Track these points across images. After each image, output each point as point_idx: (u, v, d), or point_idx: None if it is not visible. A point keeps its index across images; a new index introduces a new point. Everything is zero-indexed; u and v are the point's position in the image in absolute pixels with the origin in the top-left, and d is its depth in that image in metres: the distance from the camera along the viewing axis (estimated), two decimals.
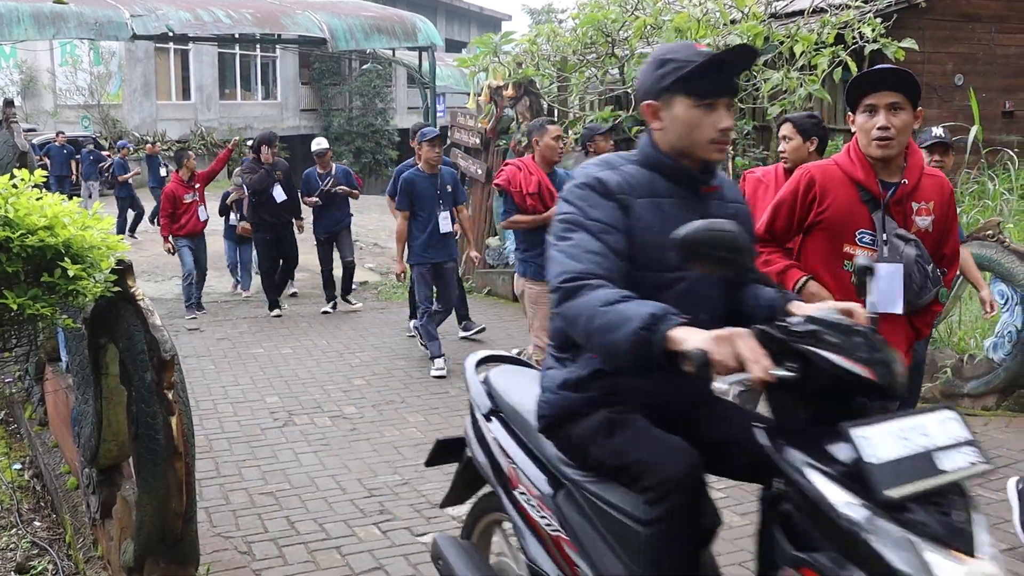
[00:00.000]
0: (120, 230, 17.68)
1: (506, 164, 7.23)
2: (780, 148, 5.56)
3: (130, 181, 18.06)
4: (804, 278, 3.82)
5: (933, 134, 5.72)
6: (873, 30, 9.60)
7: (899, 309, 3.66)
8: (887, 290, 3.62)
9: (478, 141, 12.09)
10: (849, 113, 3.79)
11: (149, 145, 21.06)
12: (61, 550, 4.85)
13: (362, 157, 31.92)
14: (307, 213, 11.33)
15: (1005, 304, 6.48)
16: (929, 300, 3.72)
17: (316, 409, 7.13)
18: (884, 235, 3.67)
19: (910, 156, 3.76)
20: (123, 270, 3.54)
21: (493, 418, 3.29)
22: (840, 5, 10.19)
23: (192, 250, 11.22)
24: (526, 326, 9.83)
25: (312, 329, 10.05)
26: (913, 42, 9.76)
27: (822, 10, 10.60)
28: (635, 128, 9.80)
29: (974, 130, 10.80)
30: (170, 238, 11.28)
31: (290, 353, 9.01)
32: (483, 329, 9.44)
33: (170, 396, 3.33)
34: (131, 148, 20.55)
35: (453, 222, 8.49)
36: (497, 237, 11.62)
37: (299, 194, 11.09)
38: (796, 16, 10.76)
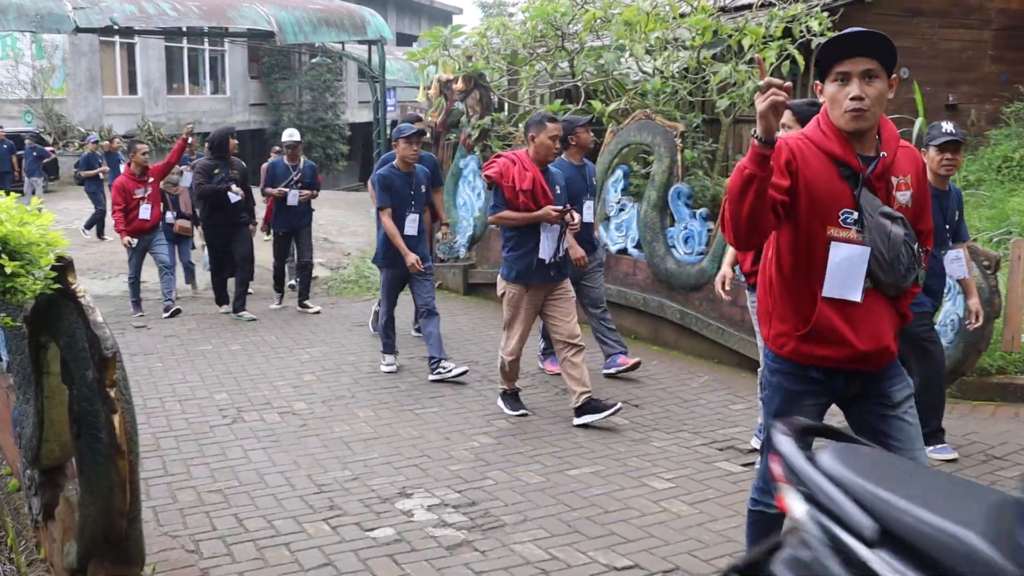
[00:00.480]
0: (90, 224, 17.43)
1: (498, 156, 6.80)
2: (946, 168, 5.47)
3: (99, 176, 17.80)
4: None
5: (944, 130, 5.47)
6: (820, 24, 9.68)
7: (857, 296, 3.29)
8: (849, 274, 3.29)
9: (428, 135, 12.03)
10: (817, 82, 3.46)
11: (107, 142, 20.56)
12: (3, 554, 4.77)
13: (312, 152, 31.69)
14: (263, 205, 11.27)
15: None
16: (911, 282, 3.35)
17: (265, 405, 7.07)
18: (869, 214, 3.28)
19: (883, 127, 3.41)
20: (63, 267, 3.48)
21: (885, 549, 2.09)
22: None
23: (136, 250, 10.68)
24: (477, 321, 9.82)
25: (261, 325, 9.96)
26: None
27: (770, 4, 10.67)
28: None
29: (918, 122, 10.97)
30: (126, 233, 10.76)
31: (239, 349, 8.92)
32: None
33: (112, 394, 3.28)
34: (100, 143, 19.87)
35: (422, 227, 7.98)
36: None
37: (259, 187, 10.79)
38: (744, 10, 10.83)
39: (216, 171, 10.17)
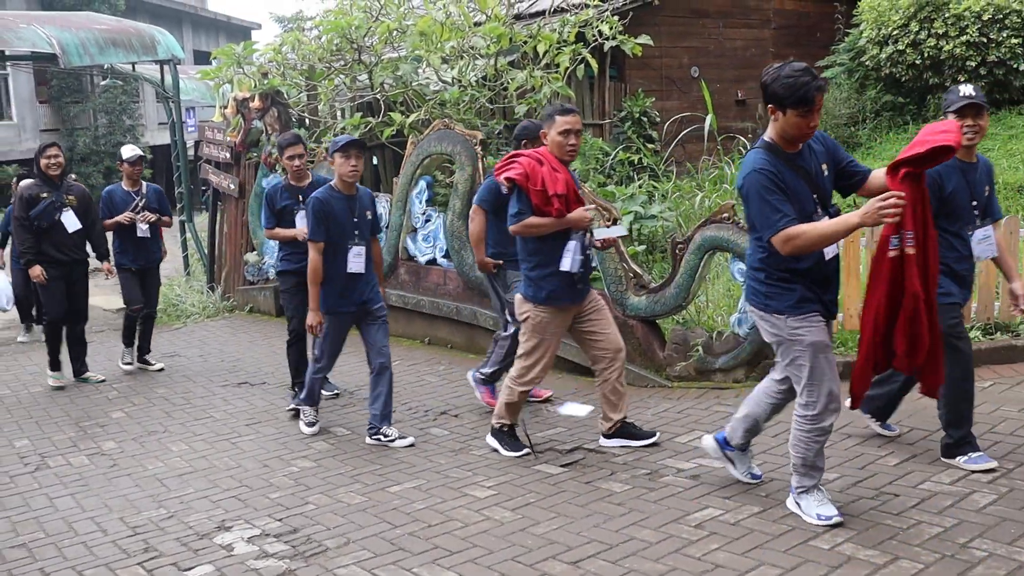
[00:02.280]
0: None
1: (516, 155, 5.78)
2: (968, 136, 4.91)
3: None
4: None
5: (962, 94, 4.95)
6: (611, 28, 9.97)
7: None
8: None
9: (228, 155, 11.75)
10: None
11: None
12: None
13: (112, 177, 30.40)
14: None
15: (743, 281, 6.86)
16: None
17: (71, 448, 6.74)
18: None
19: None
20: None
21: None
22: (580, 4, 10.54)
23: None
24: (277, 341, 9.66)
25: (65, 363, 9.48)
26: (649, 38, 10.22)
27: (563, 10, 10.93)
28: (386, 132, 9.76)
29: (709, 118, 11.42)
30: None
31: (40, 392, 8.48)
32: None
33: None
34: None
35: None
36: (255, 252, 11.32)
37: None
38: (538, 16, 11.04)
39: (44, 195, 8.31)
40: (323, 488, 5.59)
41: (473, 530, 4.79)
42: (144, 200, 8.91)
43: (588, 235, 5.77)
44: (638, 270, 7.41)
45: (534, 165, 5.58)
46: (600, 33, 10.04)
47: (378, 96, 10.32)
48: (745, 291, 4.70)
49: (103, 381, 8.65)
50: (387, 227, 9.29)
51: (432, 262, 9.05)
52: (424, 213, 9.18)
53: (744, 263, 6.80)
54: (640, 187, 9.71)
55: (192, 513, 5.34)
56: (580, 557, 4.38)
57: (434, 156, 9.05)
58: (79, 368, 8.77)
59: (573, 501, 5.07)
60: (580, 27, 10.07)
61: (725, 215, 6.89)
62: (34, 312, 11.00)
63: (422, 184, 9.22)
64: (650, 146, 12.34)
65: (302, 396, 6.84)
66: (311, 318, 6.35)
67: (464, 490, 5.36)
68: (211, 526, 5.12)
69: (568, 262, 5.61)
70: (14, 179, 11.32)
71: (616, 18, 10.23)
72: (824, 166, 4.43)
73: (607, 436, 5.96)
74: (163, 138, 31.61)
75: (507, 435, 5.98)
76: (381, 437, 6.38)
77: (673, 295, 7.19)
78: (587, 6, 10.28)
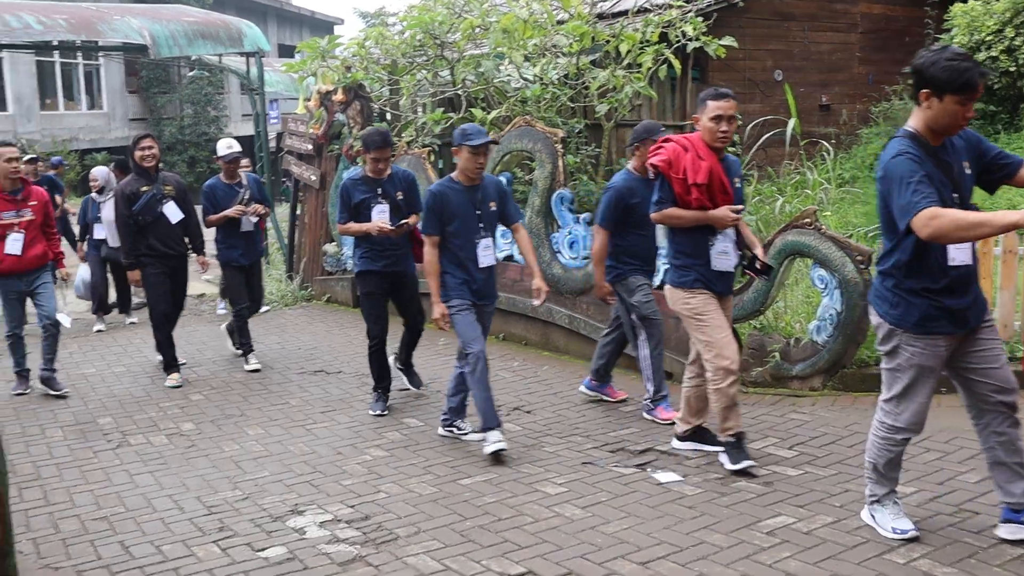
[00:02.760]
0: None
1: (667, 139, 5.52)
2: None
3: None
4: None
5: None
6: (695, 29, 9.90)
7: None
8: None
9: (311, 147, 11.92)
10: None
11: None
12: None
13: (197, 166, 31.04)
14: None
15: (825, 288, 6.77)
16: None
17: (152, 428, 6.90)
18: None
19: None
20: None
21: None
22: (663, 5, 10.48)
23: (20, 293, 7.81)
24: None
25: (147, 345, 9.69)
26: (733, 40, 10.11)
27: (646, 10, 10.88)
28: None
29: (792, 123, 11.28)
30: None
31: (123, 372, 8.69)
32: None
33: None
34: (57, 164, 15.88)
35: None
36: (334, 243, 11.47)
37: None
38: (621, 16, 11.01)
39: (144, 189, 8.06)
40: (395, 477, 5.64)
41: (543, 526, 4.80)
42: (249, 192, 8.59)
43: (737, 236, 5.49)
44: None
45: (679, 152, 5.33)
46: (683, 34, 9.97)
47: (459, 92, 10.38)
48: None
49: (184, 364, 8.55)
50: None
51: (509, 258, 9.07)
52: None
53: (824, 270, 6.73)
54: None
55: (266, 496, 5.43)
56: (650, 558, 4.36)
57: (514, 153, 9.08)
58: (172, 362, 8.29)
59: (644, 502, 5.06)
60: (663, 27, 10.01)
61: (806, 220, 6.81)
62: (111, 302, 11.26)
63: (502, 180, 9.24)
64: (731, 149, 12.21)
65: (481, 424, 6.03)
66: (436, 311, 6.03)
67: (535, 486, 5.38)
68: (284, 509, 5.21)
69: (720, 261, 5.44)
70: (91, 168, 11.63)
71: (700, 19, 10.15)
72: (966, 164, 4.16)
73: (681, 439, 5.87)
74: (246, 129, 32.15)
75: (733, 446, 5.46)
76: (454, 429, 6.37)
77: (751, 299, 7.12)
78: (671, 6, 10.22)
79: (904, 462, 4.51)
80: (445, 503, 5.19)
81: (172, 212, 8.14)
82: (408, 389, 7.58)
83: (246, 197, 8.54)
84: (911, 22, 14.91)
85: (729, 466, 5.41)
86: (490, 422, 5.89)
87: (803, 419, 6.34)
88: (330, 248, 11.56)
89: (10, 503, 3.51)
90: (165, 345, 8.24)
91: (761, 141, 12.08)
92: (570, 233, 8.48)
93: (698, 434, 5.84)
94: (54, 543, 4.86)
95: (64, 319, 8.13)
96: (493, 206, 6.20)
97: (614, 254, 6.55)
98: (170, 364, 8.25)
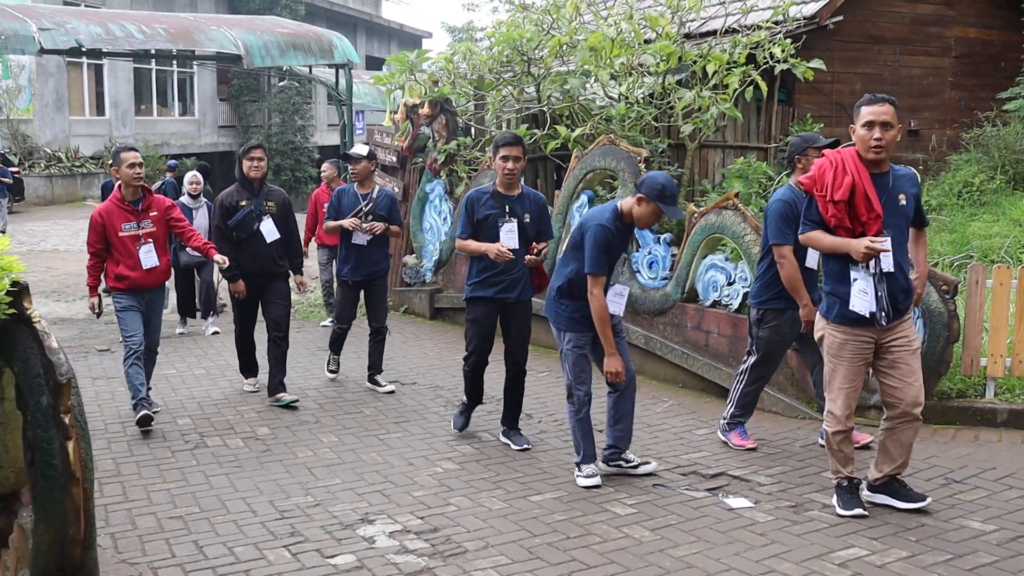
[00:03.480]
0: None
1: (824, 154, 5.10)
2: None
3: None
4: None
5: None
6: (783, 51, 9.80)
7: None
8: None
9: (395, 159, 12.06)
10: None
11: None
12: None
13: (281, 175, 31.62)
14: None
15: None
16: None
17: (228, 431, 7.02)
18: None
19: None
20: (18, 292, 3.46)
21: None
22: (752, 26, 10.40)
23: (140, 311, 7.19)
24: (443, 346, 9.77)
25: (227, 349, 9.87)
26: (822, 62, 9.99)
27: (734, 31, 10.80)
28: (550, 145, 9.85)
29: None
30: (100, 290, 7.30)
31: (203, 374, 8.87)
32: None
33: (67, 420, 3.25)
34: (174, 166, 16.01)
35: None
36: (414, 255, 11.59)
37: (315, 221, 8.65)
38: (709, 36, 10.95)
39: (243, 203, 7.70)
40: (465, 491, 5.66)
41: (611, 546, 4.77)
42: (372, 205, 8.05)
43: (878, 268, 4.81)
44: None
45: (825, 166, 4.91)
46: (771, 55, 9.88)
47: (544, 108, 10.42)
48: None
49: (296, 401, 7.69)
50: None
51: None
52: None
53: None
54: None
55: (337, 503, 5.48)
56: None
57: (597, 171, 9.07)
58: (275, 386, 7.76)
59: (714, 527, 5.00)
60: (751, 49, 9.94)
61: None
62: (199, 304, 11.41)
63: (583, 198, 9.25)
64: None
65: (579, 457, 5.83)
66: (613, 364, 5.54)
67: (605, 505, 5.35)
68: (355, 517, 5.25)
69: (857, 301, 4.84)
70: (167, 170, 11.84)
71: (789, 41, 10.05)
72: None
73: (872, 489, 5.24)
74: (332, 139, 32.70)
75: (843, 490, 5.16)
76: (622, 463, 5.88)
77: None
78: (760, 27, 10.14)
79: (984, 499, 4.40)
80: (514, 519, 5.19)
81: (268, 230, 7.69)
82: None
83: (364, 210, 8.02)
84: (1007, 47, 14.56)
85: (839, 511, 5.12)
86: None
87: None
88: (410, 260, 11.68)
89: (94, 499, 3.60)
90: (241, 343, 8.15)
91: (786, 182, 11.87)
92: (650, 253, 8.44)
93: (890, 486, 5.20)
94: (131, 539, 4.97)
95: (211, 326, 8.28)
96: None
97: (769, 277, 6.08)
98: (245, 366, 8.24)
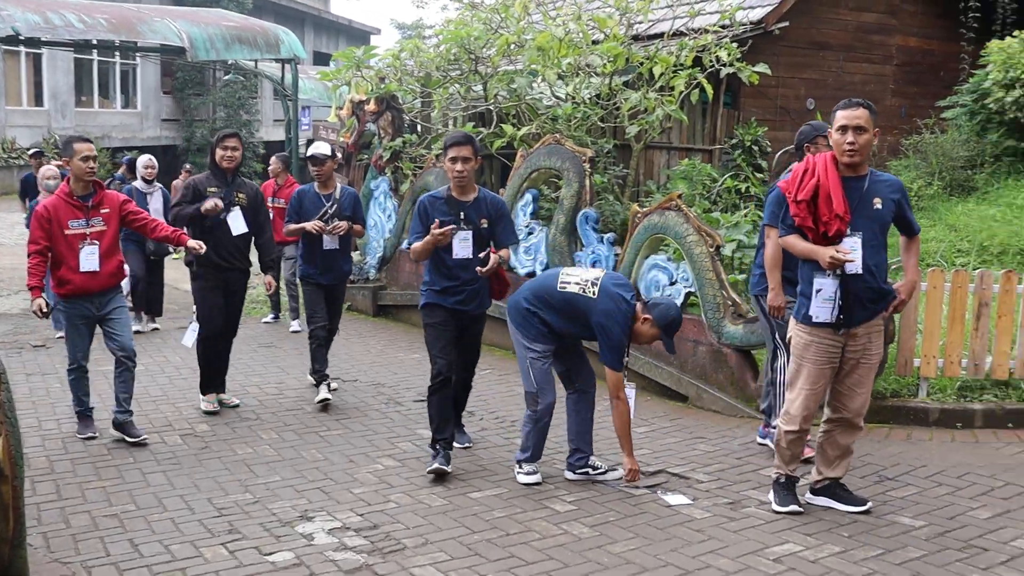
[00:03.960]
0: None
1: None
2: None
3: None
4: None
5: None
6: (729, 54, 9.91)
7: None
8: None
9: (340, 156, 11.98)
10: None
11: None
12: None
13: None
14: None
15: None
16: None
17: (167, 427, 6.94)
18: None
19: None
20: None
21: None
22: (699, 29, 10.49)
23: (86, 324, 6.63)
24: (385, 343, 9.74)
25: (166, 345, 9.78)
26: (767, 67, 10.12)
27: (681, 33, 10.89)
28: (496, 143, 9.86)
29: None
30: (43, 293, 6.51)
31: (142, 370, 8.70)
32: None
33: None
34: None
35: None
36: (358, 252, 11.53)
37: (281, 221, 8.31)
38: (656, 38, 11.03)
39: (212, 190, 7.32)
40: (406, 488, 5.65)
41: (550, 543, 4.79)
42: (336, 206, 7.70)
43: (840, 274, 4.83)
44: (737, 299, 7.34)
45: (798, 170, 5.01)
46: (718, 59, 9.98)
47: (491, 107, 10.43)
48: None
49: (237, 406, 7.46)
50: None
51: (531, 275, 9.09)
52: (528, 226, 9.24)
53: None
54: (746, 216, 9.61)
55: (277, 500, 5.44)
56: None
57: (542, 170, 9.10)
58: (217, 386, 7.53)
59: (653, 523, 5.04)
60: (698, 52, 10.03)
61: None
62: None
63: (528, 197, 9.28)
64: (759, 175, 12.20)
65: (524, 454, 5.83)
66: (628, 464, 5.66)
67: (544, 502, 5.37)
68: (294, 515, 5.22)
69: (819, 309, 4.89)
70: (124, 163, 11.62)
71: (735, 45, 10.16)
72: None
73: (814, 492, 5.30)
74: (277, 134, 32.43)
75: (781, 486, 5.22)
76: (589, 470, 5.80)
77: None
78: (707, 31, 10.23)
79: (915, 495, 4.48)
80: (454, 515, 5.19)
81: (235, 222, 7.28)
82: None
83: (329, 212, 7.66)
84: (947, 57, 14.85)
85: (775, 507, 5.19)
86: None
87: (812, 446, 6.30)
88: (353, 256, 11.62)
89: (24, 496, 3.54)
90: (204, 358, 7.39)
91: (788, 168, 12.03)
92: (593, 252, 8.48)
93: (830, 489, 5.28)
94: (64, 538, 4.89)
95: (190, 335, 7.35)
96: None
97: (786, 267, 5.68)
98: (205, 385, 7.44)
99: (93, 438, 6.64)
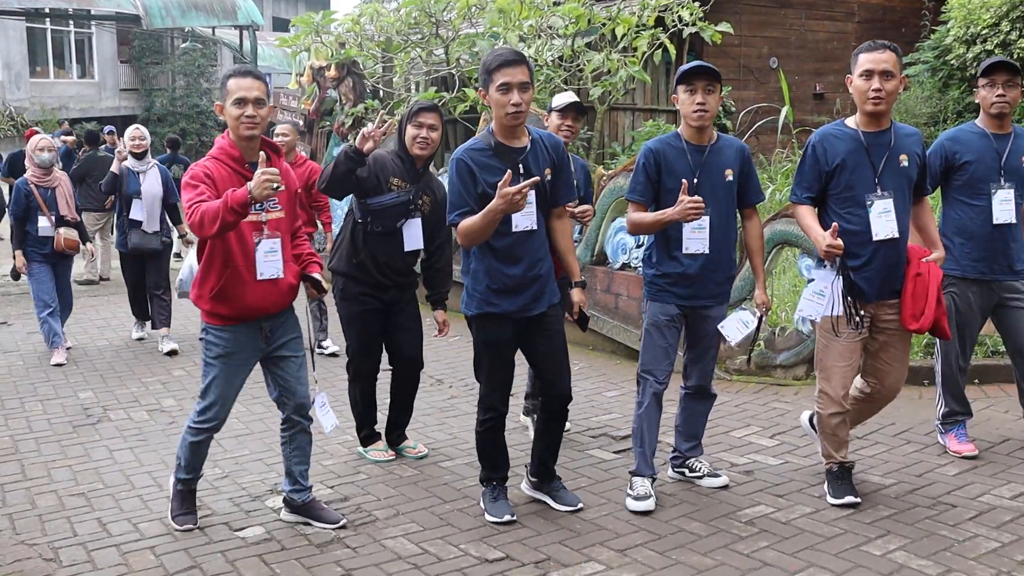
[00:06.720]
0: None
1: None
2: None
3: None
4: None
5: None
6: (691, 14, 9.85)
7: None
8: None
9: (302, 123, 11.84)
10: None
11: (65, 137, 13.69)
12: None
13: (187, 138, 30.84)
14: None
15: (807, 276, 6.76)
16: None
17: (133, 403, 6.87)
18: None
19: None
20: None
21: None
22: None
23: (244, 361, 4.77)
24: None
25: (130, 319, 9.64)
26: (729, 26, 10.07)
27: None
28: (459, 108, 9.76)
29: (785, 110, 11.24)
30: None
31: (106, 345, 8.65)
32: None
33: None
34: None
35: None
36: None
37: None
38: None
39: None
40: None
41: (523, 510, 4.78)
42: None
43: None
44: None
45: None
46: (680, 19, 9.92)
47: (453, 71, 10.32)
48: None
49: (424, 456, 5.77)
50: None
51: None
52: None
53: (811, 260, 6.71)
54: None
55: (246, 475, 5.41)
56: (628, 545, 4.35)
57: None
58: (395, 439, 5.86)
59: (624, 488, 5.04)
60: (660, 12, 9.96)
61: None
62: None
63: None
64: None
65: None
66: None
67: (515, 470, 5.34)
68: (264, 489, 5.19)
69: (806, 304, 4.65)
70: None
71: (697, 4, 10.10)
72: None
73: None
74: None
75: (835, 476, 4.79)
76: (686, 471, 5.17)
77: (738, 288, 7.09)
78: None
79: (884, 454, 4.50)
80: (425, 485, 5.18)
81: (411, 233, 5.52)
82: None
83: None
84: (908, 13, 14.87)
85: (829, 499, 4.75)
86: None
87: (785, 408, 6.34)
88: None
89: None
90: (364, 405, 5.87)
91: (753, 128, 12.03)
92: None
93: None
94: (30, 519, 4.83)
95: (327, 421, 5.18)
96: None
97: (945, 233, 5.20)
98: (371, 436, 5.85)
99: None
